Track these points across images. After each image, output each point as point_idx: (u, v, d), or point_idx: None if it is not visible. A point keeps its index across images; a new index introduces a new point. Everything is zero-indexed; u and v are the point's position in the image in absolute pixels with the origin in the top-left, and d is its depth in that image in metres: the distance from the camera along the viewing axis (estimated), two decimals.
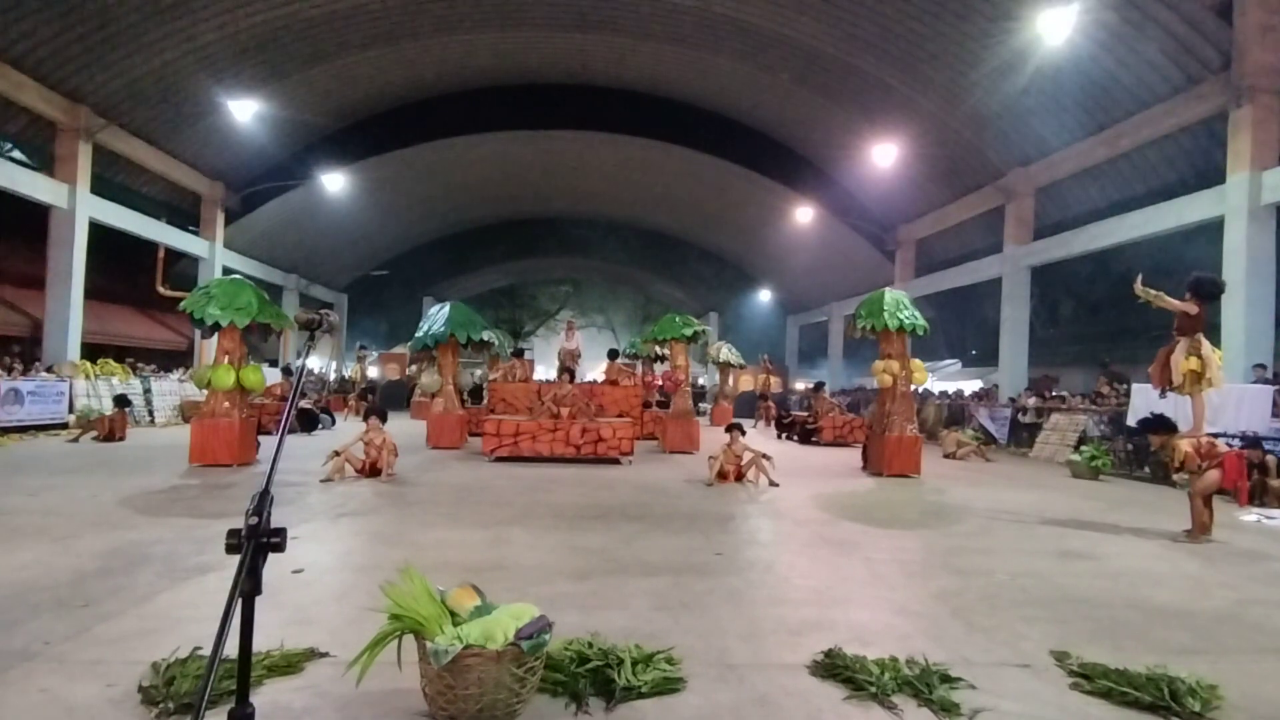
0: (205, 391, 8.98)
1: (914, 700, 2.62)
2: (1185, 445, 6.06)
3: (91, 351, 15.81)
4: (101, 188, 15.96)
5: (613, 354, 16.13)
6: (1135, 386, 10.92)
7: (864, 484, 8.87)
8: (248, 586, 1.56)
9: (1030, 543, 5.58)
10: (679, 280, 33.79)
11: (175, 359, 20.16)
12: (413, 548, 4.80)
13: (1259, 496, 7.74)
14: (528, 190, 27.76)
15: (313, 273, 27.02)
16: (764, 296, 31.89)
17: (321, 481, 7.53)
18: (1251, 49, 10.89)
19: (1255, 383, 10.08)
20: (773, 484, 8.10)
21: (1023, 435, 14.14)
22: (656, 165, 23.88)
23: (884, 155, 16.65)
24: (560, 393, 10.61)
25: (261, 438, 9.76)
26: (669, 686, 2.67)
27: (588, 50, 18.78)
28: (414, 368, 20.95)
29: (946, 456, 12.06)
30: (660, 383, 15.55)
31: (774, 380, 23.89)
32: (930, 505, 7.46)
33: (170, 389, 15.50)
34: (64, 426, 12.50)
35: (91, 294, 15.95)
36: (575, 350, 15.68)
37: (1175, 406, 7.02)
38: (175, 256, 20.26)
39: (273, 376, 14.82)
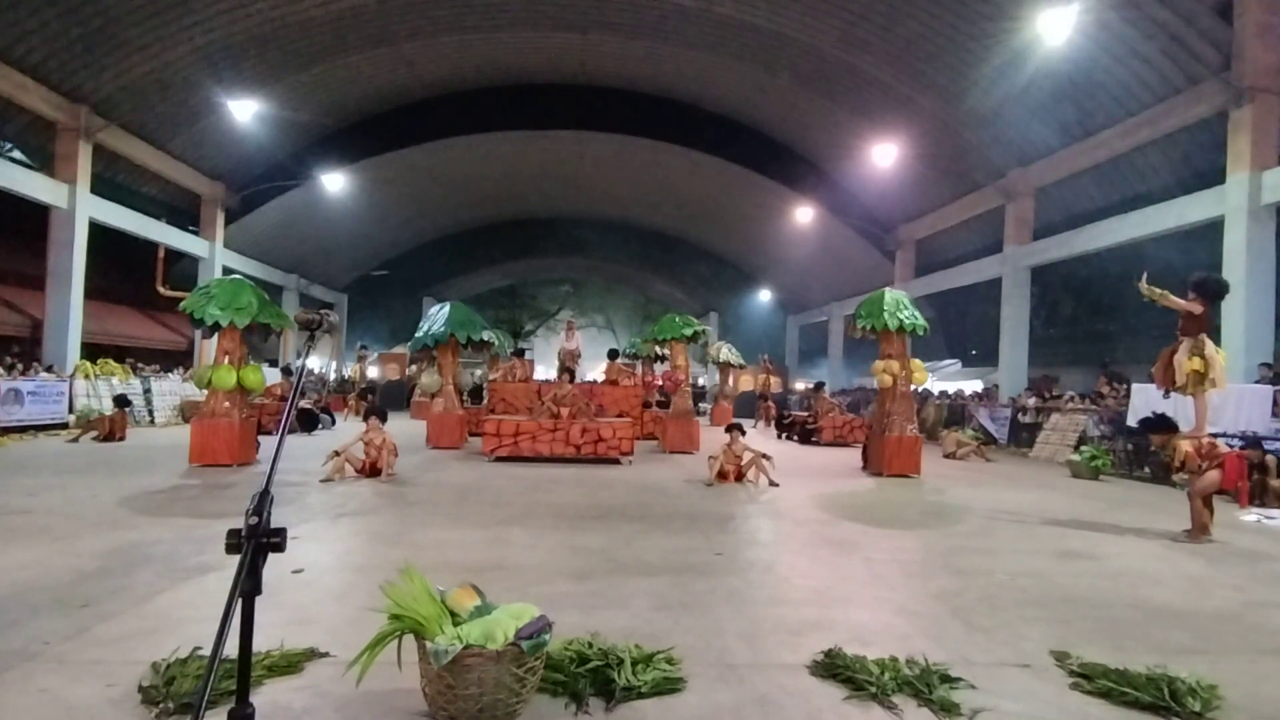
0: (205, 391, 8.98)
1: (914, 700, 2.62)
2: (1186, 445, 6.06)
3: (91, 351, 15.80)
4: (101, 188, 15.97)
5: (613, 354, 16.12)
6: (1135, 386, 10.92)
7: (864, 484, 8.86)
8: (248, 586, 1.56)
9: (1030, 543, 5.58)
10: (679, 280, 33.78)
11: (175, 359, 20.16)
12: (413, 548, 4.80)
13: (1259, 497, 7.74)
14: (527, 190, 27.77)
15: (313, 273, 27.03)
16: (764, 296, 31.86)
17: (321, 481, 7.53)
18: (1251, 49, 10.88)
19: (1259, 381, 10.07)
20: (773, 484, 8.10)
21: (1023, 435, 14.14)
22: (656, 165, 23.88)
23: (884, 155, 16.62)
24: (560, 393, 10.61)
25: (261, 438, 9.76)
26: (669, 686, 2.67)
27: (588, 50, 18.78)
28: (414, 368, 21.00)
29: (946, 456, 12.05)
30: (660, 383, 15.52)
31: (774, 380, 23.85)
32: (930, 505, 7.46)
33: (170, 389, 15.49)
34: (64, 426, 12.50)
35: (91, 294, 15.97)
36: (575, 350, 15.66)
37: (1176, 406, 7.00)
38: (175, 256, 20.30)
39: (273, 376, 14.82)
